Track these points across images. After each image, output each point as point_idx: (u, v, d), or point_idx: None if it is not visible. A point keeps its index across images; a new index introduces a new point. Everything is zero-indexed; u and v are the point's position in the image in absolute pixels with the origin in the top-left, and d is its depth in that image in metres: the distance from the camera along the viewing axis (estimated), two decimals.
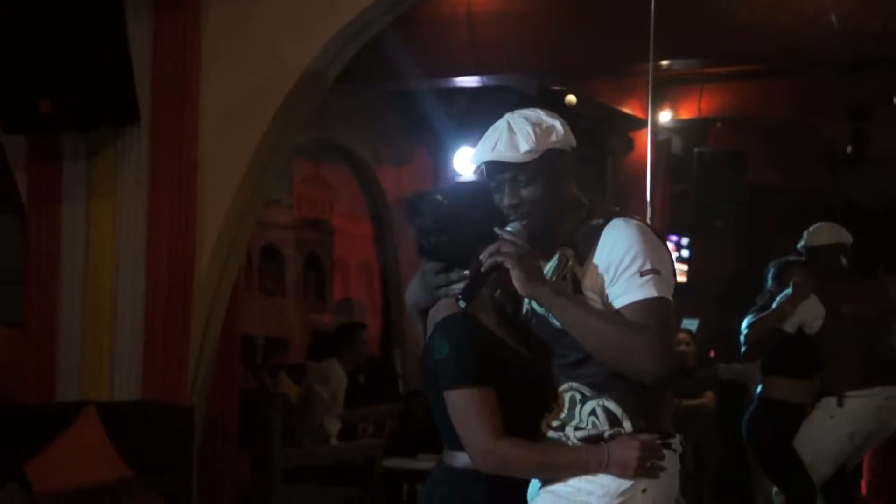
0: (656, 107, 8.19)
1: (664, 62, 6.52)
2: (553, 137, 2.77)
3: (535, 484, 2.83)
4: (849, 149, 9.08)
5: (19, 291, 5.51)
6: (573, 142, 2.83)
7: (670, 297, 2.68)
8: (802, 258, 5.82)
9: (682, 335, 8.53)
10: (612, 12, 6.81)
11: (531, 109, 2.83)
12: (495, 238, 2.74)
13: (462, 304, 2.73)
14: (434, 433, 3.13)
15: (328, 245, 9.43)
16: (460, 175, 7.81)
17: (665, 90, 8.36)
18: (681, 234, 10.46)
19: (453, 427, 2.79)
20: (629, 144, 9.48)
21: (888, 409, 5.56)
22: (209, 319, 5.33)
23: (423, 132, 9.17)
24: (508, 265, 2.65)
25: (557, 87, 7.78)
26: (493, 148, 2.74)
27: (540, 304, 2.74)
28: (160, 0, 5.27)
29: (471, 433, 2.74)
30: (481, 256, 2.70)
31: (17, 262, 5.61)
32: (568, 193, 2.82)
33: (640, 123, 8.97)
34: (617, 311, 2.66)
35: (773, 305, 5.60)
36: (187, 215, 5.27)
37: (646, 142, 8.65)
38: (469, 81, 8.14)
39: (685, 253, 10.70)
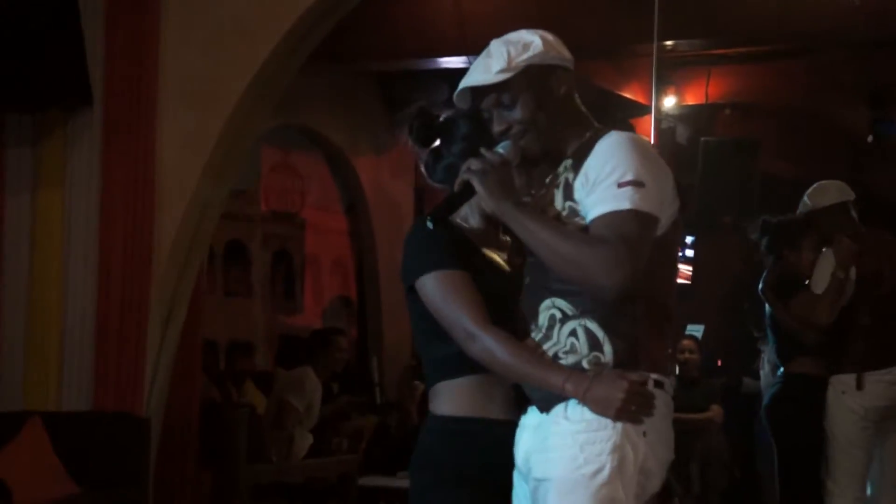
0: (660, 91, 8.20)
1: (668, 42, 6.53)
2: (531, 52, 2.81)
3: (527, 426, 2.84)
4: (870, 138, 9.14)
5: None
6: (565, 56, 2.86)
7: (652, 212, 2.71)
8: (798, 216, 5.86)
9: (686, 342, 8.56)
10: None
11: (517, 32, 2.89)
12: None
13: (430, 224, 2.79)
14: (409, 449, 3.18)
15: (299, 240, 9.42)
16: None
17: (669, 73, 8.38)
18: (684, 233, 10.50)
19: (433, 343, 2.89)
20: (630, 132, 9.52)
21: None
22: (168, 322, 5.34)
23: (396, 116, 9.19)
24: (473, 182, 2.72)
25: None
26: (469, 75, 2.80)
27: (503, 220, 2.78)
28: None
29: (457, 314, 2.80)
30: (457, 181, 2.78)
31: None
32: (564, 110, 2.87)
33: (643, 109, 8.98)
34: (590, 222, 2.69)
35: (817, 278, 5.63)
36: (144, 207, 5.28)
37: (648, 129, 8.70)
38: (456, 62, 8.14)
39: (689, 253, 10.74)
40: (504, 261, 2.99)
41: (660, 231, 2.75)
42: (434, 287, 2.86)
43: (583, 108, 2.90)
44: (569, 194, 2.77)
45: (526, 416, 2.87)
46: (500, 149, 2.81)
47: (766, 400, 6.05)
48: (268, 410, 6.96)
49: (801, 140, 10.28)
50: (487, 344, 2.81)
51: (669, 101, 8.83)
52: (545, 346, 2.80)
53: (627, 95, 9.03)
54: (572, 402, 2.72)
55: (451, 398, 2.93)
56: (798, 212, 5.85)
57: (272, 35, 5.21)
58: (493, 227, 3.02)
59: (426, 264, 2.87)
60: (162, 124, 5.30)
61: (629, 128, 9.37)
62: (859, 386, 5.56)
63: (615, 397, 2.68)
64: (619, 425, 2.70)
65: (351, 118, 9.18)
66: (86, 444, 5.03)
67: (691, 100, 9.18)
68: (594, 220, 2.70)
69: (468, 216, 3.01)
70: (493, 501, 2.94)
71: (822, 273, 5.58)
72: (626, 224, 2.66)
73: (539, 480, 2.75)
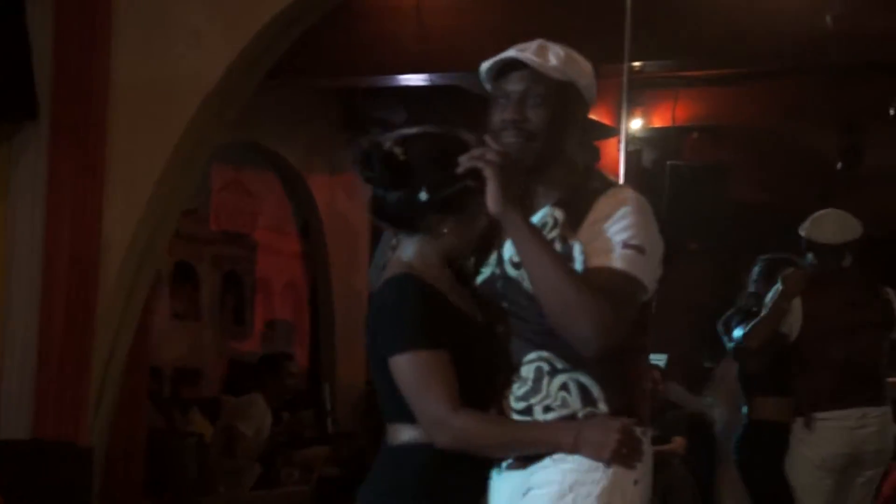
0: (627, 114, 8.26)
1: (636, 64, 6.55)
2: (580, 71, 2.84)
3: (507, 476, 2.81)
4: (840, 165, 9.21)
5: None
6: (594, 98, 2.89)
7: (645, 281, 2.71)
8: (791, 257, 5.93)
9: (651, 371, 8.61)
10: (581, 6, 6.86)
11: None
12: (458, 203, 2.78)
13: (423, 197, 2.76)
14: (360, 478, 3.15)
15: (250, 262, 9.38)
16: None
17: (636, 95, 8.38)
18: None
19: (397, 399, 2.80)
20: (595, 155, 9.54)
21: (862, 431, 5.64)
22: (114, 346, 5.33)
23: (361, 140, 9.19)
24: (487, 174, 2.67)
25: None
26: (523, 52, 2.77)
27: (505, 227, 2.74)
28: None
29: (425, 401, 2.74)
30: (461, 158, 2.72)
31: None
32: (567, 144, 2.87)
33: (609, 131, 9.01)
34: (587, 268, 2.69)
35: (767, 303, 5.65)
36: (91, 225, 5.28)
37: (614, 152, 8.74)
38: (416, 80, 8.16)
39: None
40: (475, 315, 2.92)
41: (645, 299, 2.75)
42: (410, 369, 2.80)
43: (576, 149, 2.90)
44: (566, 251, 2.74)
45: (498, 473, 2.84)
46: (510, 139, 2.76)
47: (734, 441, 6.09)
48: (215, 439, 6.93)
49: (770, 166, 10.36)
50: (459, 430, 2.78)
51: (636, 124, 8.85)
52: (533, 400, 2.78)
53: (593, 117, 9.07)
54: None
55: (412, 437, 2.86)
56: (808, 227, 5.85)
57: (230, 50, 5.23)
58: (453, 273, 2.95)
59: (402, 342, 2.80)
60: (112, 139, 5.30)
61: (595, 151, 9.51)
62: (808, 426, 5.58)
63: (610, 439, 2.68)
64: (611, 471, 2.70)
65: (306, 136, 9.18)
66: (24, 475, 4.99)
67: (658, 122, 9.21)
68: (594, 269, 2.69)
69: (427, 257, 2.91)
70: None
71: (769, 303, 5.65)
72: (624, 286, 2.67)
73: None
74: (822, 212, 5.83)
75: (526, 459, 2.79)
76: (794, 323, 5.62)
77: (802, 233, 5.81)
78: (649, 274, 2.73)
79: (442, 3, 7.36)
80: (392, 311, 2.85)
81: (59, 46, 5.28)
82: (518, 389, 2.78)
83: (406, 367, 2.78)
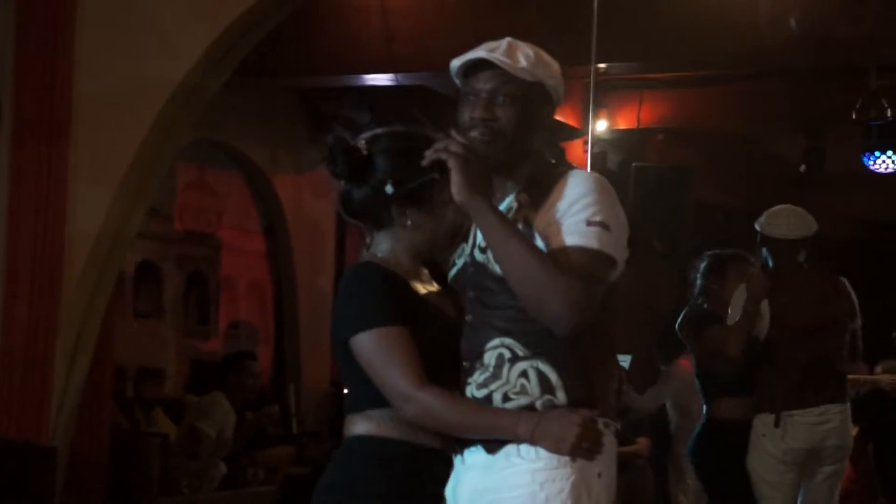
0: (591, 114, 8.28)
1: (602, 65, 6.58)
2: (548, 72, 2.85)
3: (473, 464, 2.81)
4: (802, 167, 9.26)
5: None
6: (560, 97, 2.91)
7: (614, 256, 2.72)
8: (739, 252, 5.98)
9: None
10: (547, 8, 6.88)
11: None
12: (423, 195, 2.82)
13: (389, 190, 2.79)
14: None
15: (214, 261, 9.35)
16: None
17: (601, 97, 8.43)
18: None
19: (361, 387, 2.84)
20: (560, 156, 9.59)
21: (821, 426, 5.68)
22: (77, 345, 5.31)
23: (327, 136, 9.18)
24: (451, 165, 2.69)
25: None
26: (491, 51, 2.78)
27: (472, 216, 2.76)
28: None
29: (391, 376, 2.77)
30: (426, 152, 2.74)
31: None
32: (534, 141, 2.89)
33: (573, 133, 9.04)
34: (554, 249, 2.70)
35: (732, 308, 5.68)
36: (55, 224, 5.27)
37: (579, 153, 8.77)
38: (382, 80, 8.17)
39: None
40: (441, 304, 2.95)
41: (614, 278, 2.76)
42: (370, 346, 2.83)
43: (543, 146, 2.93)
44: (529, 234, 2.75)
45: (469, 455, 2.84)
46: (475, 133, 2.78)
47: (690, 442, 6.10)
48: (178, 439, 6.90)
49: (734, 168, 10.42)
50: (425, 405, 2.79)
51: (601, 125, 8.87)
52: (493, 386, 2.78)
53: (558, 118, 9.10)
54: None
55: (378, 421, 2.87)
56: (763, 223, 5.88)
57: (194, 49, 5.22)
58: (422, 267, 2.99)
59: (363, 320, 2.83)
60: (75, 138, 5.28)
61: (560, 151, 9.53)
62: (777, 424, 5.62)
63: (569, 433, 2.68)
64: (577, 465, 2.70)
65: (271, 135, 9.17)
66: None
67: (623, 124, 9.24)
68: (560, 250, 2.69)
69: (397, 252, 2.95)
70: None
71: (736, 306, 5.66)
72: (592, 263, 2.67)
73: None
74: (777, 207, 5.85)
75: (489, 451, 2.77)
76: (762, 325, 5.65)
77: (758, 227, 5.85)
78: (617, 249, 2.73)
79: (407, 3, 7.37)
80: (354, 294, 2.88)
81: (21, 46, 5.26)
82: (480, 376, 2.78)
83: (369, 344, 2.81)
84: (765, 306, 5.62)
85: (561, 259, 2.68)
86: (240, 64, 5.57)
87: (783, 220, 5.80)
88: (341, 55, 7.73)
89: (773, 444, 5.66)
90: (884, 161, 8.63)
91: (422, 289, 2.94)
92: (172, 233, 8.96)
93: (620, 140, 9.45)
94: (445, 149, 2.71)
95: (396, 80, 8.08)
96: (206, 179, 9.28)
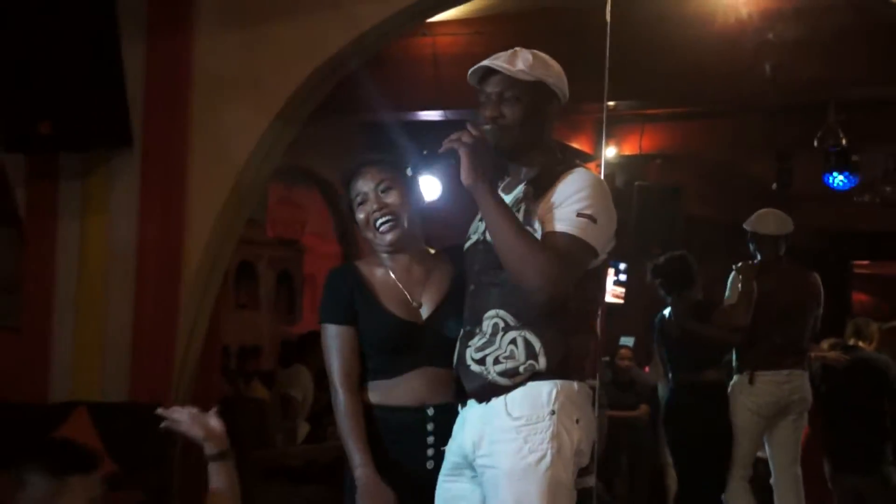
0: (603, 143, 8.26)
1: (610, 103, 6.55)
2: (548, 72, 2.79)
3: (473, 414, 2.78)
4: (773, 186, 9.19)
5: (15, 299, 5.46)
6: (566, 93, 2.83)
7: (595, 246, 2.64)
8: (683, 254, 6.01)
9: (622, 351, 8.58)
10: (566, 58, 6.84)
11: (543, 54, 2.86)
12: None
13: (409, 171, 2.84)
14: None
15: (299, 262, 9.39)
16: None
17: (610, 128, 8.40)
18: (618, 261, 10.55)
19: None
20: (570, 155, 9.56)
21: (781, 387, 5.71)
22: (193, 330, 5.29)
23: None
24: (461, 152, 2.64)
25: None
26: (495, 59, 2.76)
27: (475, 197, 2.69)
28: (152, 28, 5.22)
29: (330, 370, 2.91)
30: (444, 141, 2.70)
31: (12, 272, 5.54)
32: (542, 134, 2.81)
33: (587, 158, 9.01)
34: (546, 233, 2.64)
35: (729, 292, 5.72)
36: (175, 233, 5.24)
37: None
38: (432, 115, 8.16)
39: (622, 277, 10.80)
40: (401, 296, 2.97)
41: (596, 264, 2.69)
42: (323, 337, 2.94)
43: (552, 140, 2.84)
44: (528, 220, 2.68)
45: (466, 408, 2.79)
46: (486, 126, 2.72)
47: (663, 405, 6.07)
48: (272, 403, 6.93)
49: (717, 186, 10.35)
50: (338, 403, 2.91)
51: (610, 152, 8.87)
52: (487, 351, 2.71)
53: (575, 146, 9.07)
54: (511, 398, 2.65)
55: (369, 392, 2.95)
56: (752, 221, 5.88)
57: (286, 90, 5.18)
58: (415, 265, 3.01)
59: (323, 314, 2.94)
60: (192, 163, 5.26)
61: (572, 153, 9.46)
62: (751, 381, 5.64)
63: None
64: (556, 416, 2.63)
65: (342, 160, 9.14)
66: (123, 430, 4.95)
67: (627, 151, 9.21)
68: (550, 233, 2.63)
69: (384, 261, 2.99)
70: (395, 487, 2.88)
71: (733, 288, 5.66)
72: (572, 247, 2.60)
73: (486, 467, 2.67)
74: (763, 210, 5.90)
75: (483, 396, 2.74)
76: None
77: (748, 227, 5.84)
78: (600, 240, 2.65)
79: (452, 54, 7.36)
80: (326, 288, 3.03)
81: (148, 88, 5.25)
82: (478, 341, 2.73)
83: (323, 334, 2.96)
84: (754, 285, 5.65)
85: (549, 240, 2.62)
86: (320, 103, 5.54)
87: (770, 220, 5.84)
88: (399, 95, 7.71)
89: (749, 399, 5.69)
90: (840, 181, 8.58)
91: (378, 286, 2.96)
92: (266, 239, 8.99)
93: (625, 164, 9.41)
94: (458, 139, 2.66)
95: (444, 115, 8.07)
96: (292, 196, 9.31)
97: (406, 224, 2.97)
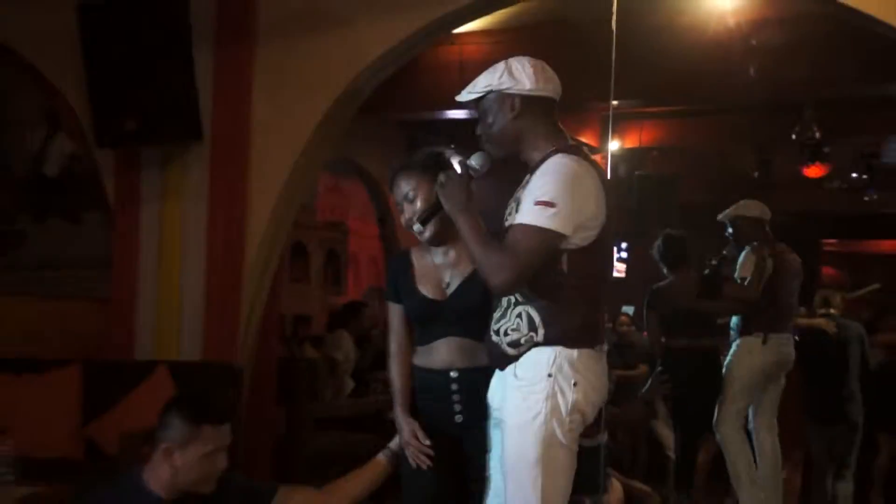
0: (609, 137, 8.27)
1: (615, 102, 6.55)
2: (493, 79, 2.69)
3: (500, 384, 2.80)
4: (755, 174, 9.17)
5: (106, 274, 5.50)
6: (526, 86, 2.68)
7: (555, 229, 2.52)
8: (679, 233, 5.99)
9: (623, 318, 8.58)
10: (574, 62, 6.80)
11: (517, 57, 2.75)
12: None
13: (416, 227, 2.94)
14: None
15: (344, 243, 9.42)
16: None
17: (614, 124, 8.40)
18: (621, 241, 10.57)
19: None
20: (570, 157, 9.52)
21: (785, 347, 5.70)
22: (254, 300, 5.31)
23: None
24: (437, 190, 2.70)
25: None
26: (463, 92, 2.76)
27: (452, 217, 2.71)
28: (219, 41, 5.24)
29: (389, 337, 3.10)
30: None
31: (103, 250, 5.59)
32: (522, 129, 2.68)
33: (594, 150, 9.00)
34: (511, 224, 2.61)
35: (741, 270, 5.67)
36: (239, 216, 5.26)
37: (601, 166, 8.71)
38: (458, 114, 8.16)
39: (624, 255, 10.83)
40: (436, 280, 3.07)
41: (576, 243, 2.58)
42: (388, 312, 3.11)
43: (553, 128, 2.69)
44: (516, 206, 2.66)
45: (496, 372, 2.80)
46: (472, 159, 2.73)
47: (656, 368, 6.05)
48: (321, 363, 6.96)
49: (707, 175, 10.31)
50: (388, 363, 3.10)
51: (614, 145, 8.85)
52: (500, 323, 2.70)
53: (583, 139, 9.06)
54: (518, 364, 2.64)
55: (415, 356, 3.07)
56: (725, 215, 5.89)
57: (332, 91, 5.18)
58: (452, 250, 3.07)
59: (386, 294, 3.11)
60: (252, 155, 5.27)
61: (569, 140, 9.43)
62: (764, 342, 5.61)
63: None
64: (552, 379, 2.59)
65: (381, 153, 9.18)
66: (197, 385, 4.95)
67: (629, 144, 9.18)
68: (510, 227, 2.58)
69: (429, 248, 3.08)
70: (427, 432, 3.00)
71: (747, 265, 5.64)
72: (525, 237, 2.52)
73: (500, 420, 2.70)
74: (745, 200, 5.87)
75: (500, 364, 2.74)
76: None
77: (733, 213, 5.85)
78: (561, 221, 2.52)
79: (477, 60, 7.34)
80: (388, 271, 3.20)
81: (216, 90, 5.25)
82: (497, 313, 2.73)
83: (387, 310, 3.12)
84: (769, 263, 5.64)
85: (508, 236, 2.57)
86: (363, 103, 5.56)
87: (754, 206, 5.84)
88: (429, 96, 7.69)
89: (757, 358, 5.65)
90: (814, 170, 8.55)
91: (421, 273, 3.07)
92: (316, 222, 9.02)
93: (627, 155, 9.39)
94: (439, 183, 2.70)
95: (469, 114, 8.07)
96: (338, 185, 9.34)
97: (435, 224, 2.97)
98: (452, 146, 2.89)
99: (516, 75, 2.69)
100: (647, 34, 6.18)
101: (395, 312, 3.09)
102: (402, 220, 3.04)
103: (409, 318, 3.08)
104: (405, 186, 3.01)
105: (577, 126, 8.98)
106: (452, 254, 3.04)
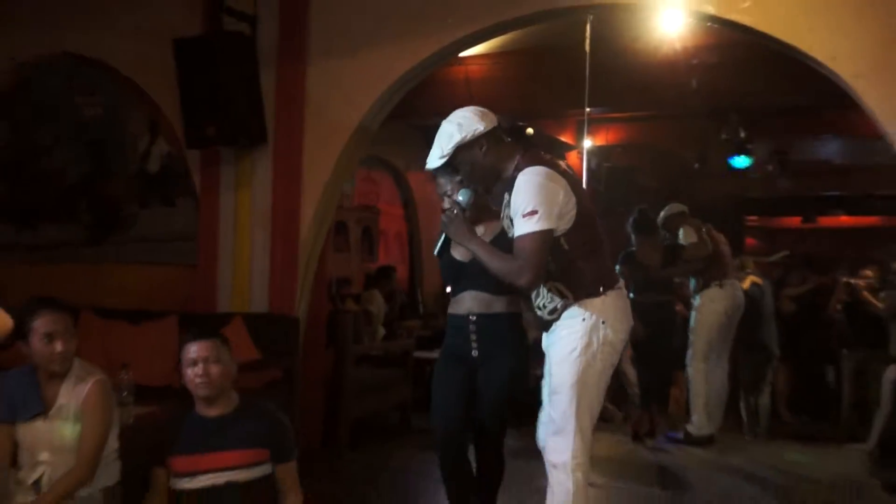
0: (584, 137, 8.24)
1: (588, 109, 6.55)
2: (454, 140, 2.68)
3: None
4: (696, 166, 9.15)
5: (193, 246, 5.52)
6: (480, 128, 2.66)
7: (544, 228, 2.54)
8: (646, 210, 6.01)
9: None
10: (557, 78, 6.83)
11: (454, 114, 2.74)
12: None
13: (436, 254, 3.04)
14: (442, 336, 3.30)
15: (376, 221, 9.39)
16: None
17: (587, 127, 8.38)
18: None
19: None
20: (533, 167, 9.45)
21: (738, 291, 5.78)
22: (307, 266, 5.32)
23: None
24: (444, 228, 2.76)
25: (522, 123, 7.82)
26: (427, 162, 2.76)
27: (463, 245, 2.75)
28: (280, 64, 5.22)
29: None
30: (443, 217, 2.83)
31: (192, 228, 5.61)
32: (495, 163, 2.68)
33: (571, 147, 9.00)
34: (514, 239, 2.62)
35: (685, 238, 5.72)
36: (295, 201, 5.26)
37: (576, 160, 8.72)
38: None
39: None
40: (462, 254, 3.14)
41: (570, 222, 2.61)
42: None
43: (509, 147, 2.67)
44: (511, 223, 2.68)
45: (546, 330, 2.81)
46: (459, 196, 2.80)
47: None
48: (359, 315, 7.01)
49: (660, 167, 10.28)
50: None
51: (588, 143, 8.83)
52: (538, 300, 2.74)
53: (563, 139, 9.05)
54: (560, 322, 2.68)
55: (449, 304, 3.19)
56: (661, 216, 5.93)
57: (366, 102, 5.15)
58: (480, 225, 3.12)
59: (436, 250, 3.10)
60: (305, 154, 5.24)
61: (564, 159, 9.40)
62: (721, 286, 5.64)
63: None
64: (585, 323, 2.64)
65: (405, 152, 9.16)
66: (265, 332, 5.02)
67: (599, 142, 9.15)
68: (514, 239, 2.60)
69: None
70: (451, 365, 3.08)
71: (690, 233, 5.69)
72: (527, 244, 2.56)
73: (549, 355, 2.76)
74: (670, 204, 6.04)
75: (546, 330, 2.78)
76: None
77: (664, 214, 5.88)
78: (546, 220, 2.53)
79: (480, 77, 7.33)
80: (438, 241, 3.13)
81: (277, 103, 5.24)
82: (534, 296, 2.78)
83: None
84: (703, 232, 5.67)
85: (517, 246, 2.59)
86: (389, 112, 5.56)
87: (675, 207, 6.01)
88: (441, 106, 7.57)
89: (717, 304, 5.68)
90: (739, 161, 8.56)
91: (456, 249, 3.14)
92: (354, 206, 9.01)
93: (598, 151, 9.36)
94: (442, 222, 2.78)
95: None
96: (371, 176, 9.29)
97: (470, 212, 2.99)
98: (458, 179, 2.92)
99: (467, 125, 2.69)
100: (613, 56, 6.16)
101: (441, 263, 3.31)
102: (444, 205, 3.08)
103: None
104: (444, 185, 3.09)
105: (559, 128, 8.99)
106: (481, 228, 3.10)
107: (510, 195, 2.65)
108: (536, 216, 2.52)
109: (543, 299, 2.71)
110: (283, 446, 2.74)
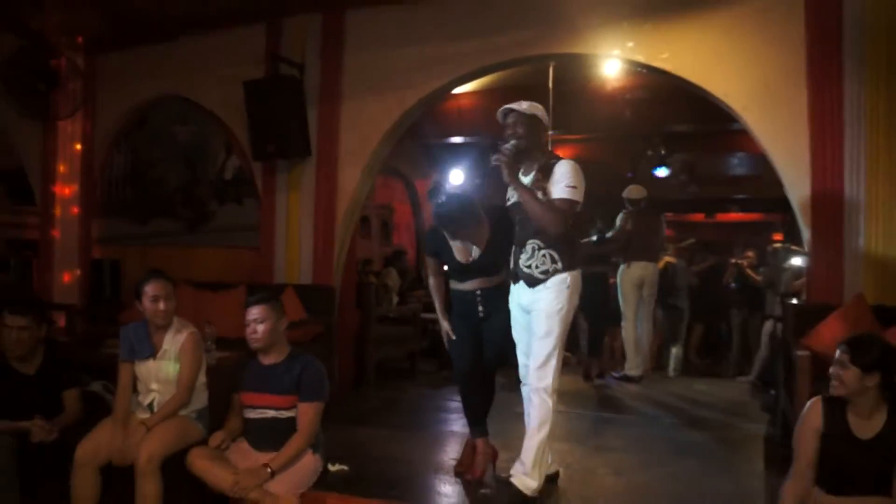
0: None
1: (551, 131, 6.55)
2: (537, 112, 2.79)
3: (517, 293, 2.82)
4: (629, 174, 9.16)
5: (256, 234, 5.52)
6: (548, 123, 2.81)
7: (577, 200, 2.65)
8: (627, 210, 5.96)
9: None
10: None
11: (538, 105, 2.80)
12: (470, 223, 2.85)
13: (494, 160, 2.77)
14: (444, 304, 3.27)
15: (391, 216, 9.42)
16: (452, 186, 7.87)
17: (551, 145, 8.36)
18: None
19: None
20: (573, 161, 9.37)
21: (643, 270, 5.73)
22: (341, 249, 5.32)
23: (432, 164, 9.19)
24: (500, 163, 2.70)
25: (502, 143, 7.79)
26: (511, 105, 2.79)
27: (512, 187, 2.74)
28: (321, 98, 5.21)
29: (423, 271, 3.23)
30: (492, 157, 2.74)
31: (256, 221, 5.60)
32: (538, 141, 2.80)
33: None
34: (553, 198, 2.67)
35: (619, 223, 5.71)
36: (331, 201, 5.26)
37: None
38: (457, 140, 8.15)
39: None
40: (464, 253, 3.07)
41: (578, 208, 2.73)
42: (424, 260, 3.08)
43: (544, 143, 2.86)
44: (544, 192, 2.71)
45: (519, 287, 2.83)
46: (508, 145, 2.78)
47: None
48: (379, 287, 7.01)
49: (602, 175, 10.23)
50: (430, 284, 3.04)
51: None
52: (530, 262, 2.75)
53: None
54: (547, 283, 2.70)
55: (450, 284, 3.12)
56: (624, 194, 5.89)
57: (385, 125, 5.13)
58: (474, 232, 3.04)
59: (427, 250, 3.09)
60: (340, 166, 5.24)
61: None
62: (629, 266, 5.70)
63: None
64: (569, 287, 2.68)
65: (412, 164, 9.13)
66: (311, 298, 5.04)
67: None
68: (555, 199, 2.67)
69: (453, 242, 3.06)
70: (462, 324, 3.09)
71: (617, 225, 5.71)
72: (564, 205, 2.67)
73: (535, 310, 2.77)
74: (632, 185, 5.90)
75: (532, 286, 2.76)
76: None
77: (625, 195, 5.89)
78: (578, 196, 2.68)
79: (468, 108, 7.35)
80: (427, 235, 3.14)
81: (319, 127, 5.22)
82: (524, 256, 2.81)
83: (424, 259, 3.11)
84: (629, 223, 5.67)
85: (555, 202, 2.68)
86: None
87: (635, 190, 5.87)
88: (441, 129, 7.69)
89: (629, 276, 5.74)
90: (660, 172, 8.59)
91: (455, 247, 3.05)
92: (375, 204, 9.00)
93: None
94: (499, 158, 2.71)
95: (464, 139, 8.07)
96: (387, 182, 9.28)
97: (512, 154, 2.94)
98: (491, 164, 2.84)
99: (541, 113, 2.84)
100: (570, 92, 6.19)
101: (431, 261, 3.15)
102: (506, 134, 2.85)
103: (440, 264, 3.15)
104: (513, 116, 2.85)
105: None
106: (475, 234, 3.08)
107: (541, 173, 2.72)
108: (575, 190, 2.65)
109: (536, 261, 2.74)
110: (306, 388, 2.66)
